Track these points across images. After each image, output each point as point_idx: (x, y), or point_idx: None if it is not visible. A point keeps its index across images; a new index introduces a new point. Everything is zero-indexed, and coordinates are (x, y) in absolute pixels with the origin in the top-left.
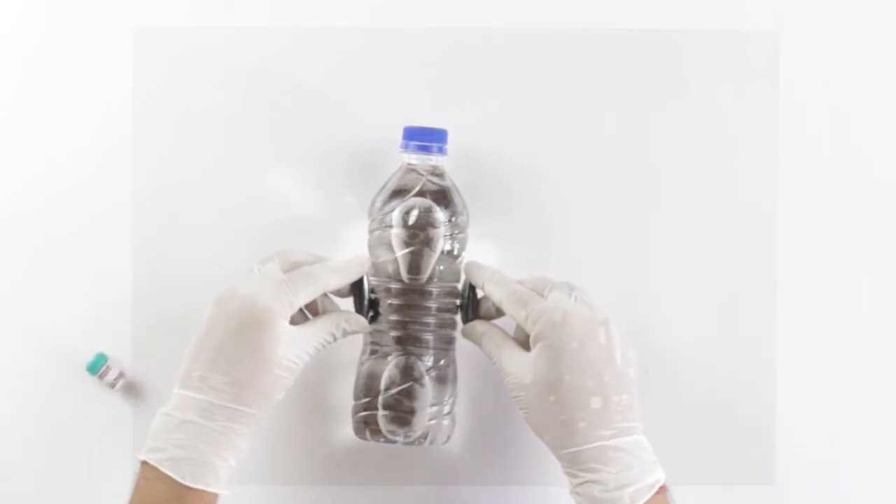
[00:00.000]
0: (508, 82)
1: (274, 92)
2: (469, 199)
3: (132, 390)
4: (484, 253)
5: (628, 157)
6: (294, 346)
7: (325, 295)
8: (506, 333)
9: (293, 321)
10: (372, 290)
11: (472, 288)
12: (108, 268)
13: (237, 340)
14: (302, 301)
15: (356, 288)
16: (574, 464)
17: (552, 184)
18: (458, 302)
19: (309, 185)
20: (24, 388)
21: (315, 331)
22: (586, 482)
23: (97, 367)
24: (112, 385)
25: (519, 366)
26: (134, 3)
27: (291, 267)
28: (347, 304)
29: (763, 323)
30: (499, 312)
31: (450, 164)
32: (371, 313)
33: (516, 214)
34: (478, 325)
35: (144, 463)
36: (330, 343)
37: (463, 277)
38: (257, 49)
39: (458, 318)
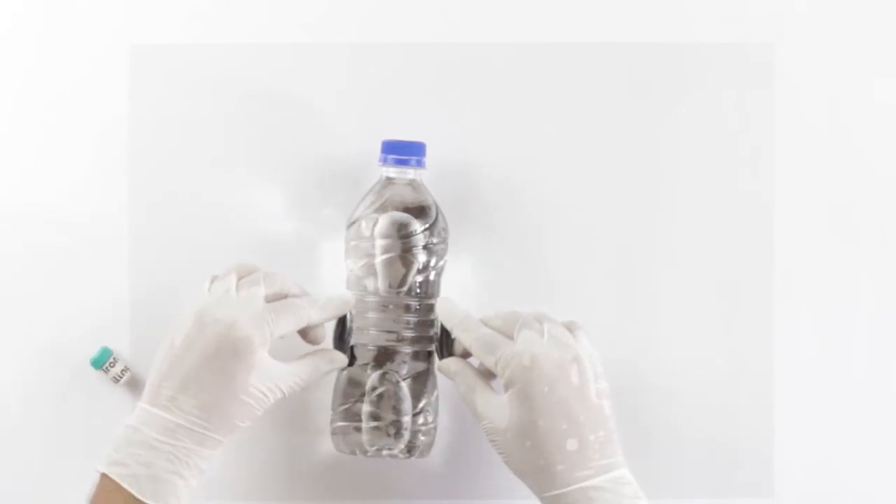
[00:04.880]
0: (491, 97)
1: (257, 107)
2: (451, 214)
3: (136, 385)
4: (465, 267)
5: (614, 170)
6: (267, 378)
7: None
8: (478, 374)
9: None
10: (350, 332)
11: None
12: (106, 269)
13: (211, 366)
14: (282, 332)
15: (338, 325)
16: None
17: (535, 197)
18: (437, 331)
19: (289, 198)
20: (26, 386)
21: (294, 369)
22: None
23: (103, 360)
24: (117, 379)
25: (493, 410)
26: (128, 20)
27: (276, 296)
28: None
29: (761, 333)
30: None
31: (432, 178)
32: (351, 355)
33: (499, 228)
34: (452, 364)
35: (104, 475)
36: (308, 383)
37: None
38: (243, 66)
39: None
